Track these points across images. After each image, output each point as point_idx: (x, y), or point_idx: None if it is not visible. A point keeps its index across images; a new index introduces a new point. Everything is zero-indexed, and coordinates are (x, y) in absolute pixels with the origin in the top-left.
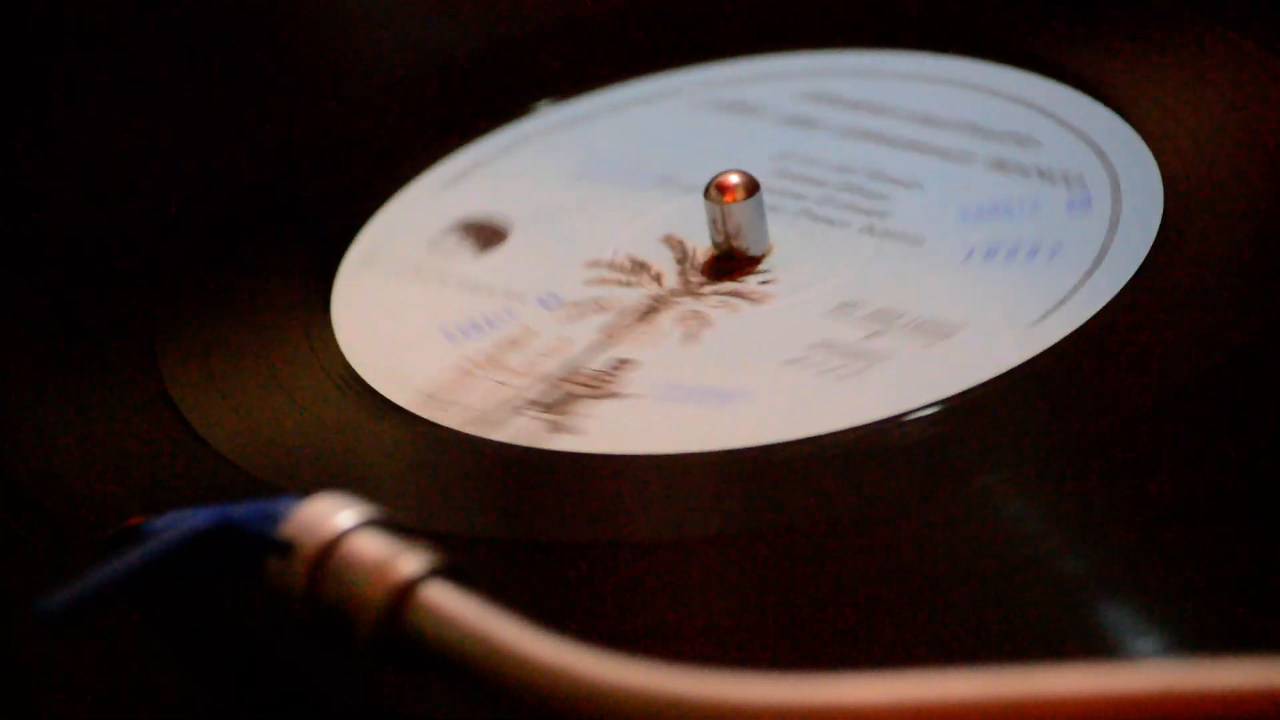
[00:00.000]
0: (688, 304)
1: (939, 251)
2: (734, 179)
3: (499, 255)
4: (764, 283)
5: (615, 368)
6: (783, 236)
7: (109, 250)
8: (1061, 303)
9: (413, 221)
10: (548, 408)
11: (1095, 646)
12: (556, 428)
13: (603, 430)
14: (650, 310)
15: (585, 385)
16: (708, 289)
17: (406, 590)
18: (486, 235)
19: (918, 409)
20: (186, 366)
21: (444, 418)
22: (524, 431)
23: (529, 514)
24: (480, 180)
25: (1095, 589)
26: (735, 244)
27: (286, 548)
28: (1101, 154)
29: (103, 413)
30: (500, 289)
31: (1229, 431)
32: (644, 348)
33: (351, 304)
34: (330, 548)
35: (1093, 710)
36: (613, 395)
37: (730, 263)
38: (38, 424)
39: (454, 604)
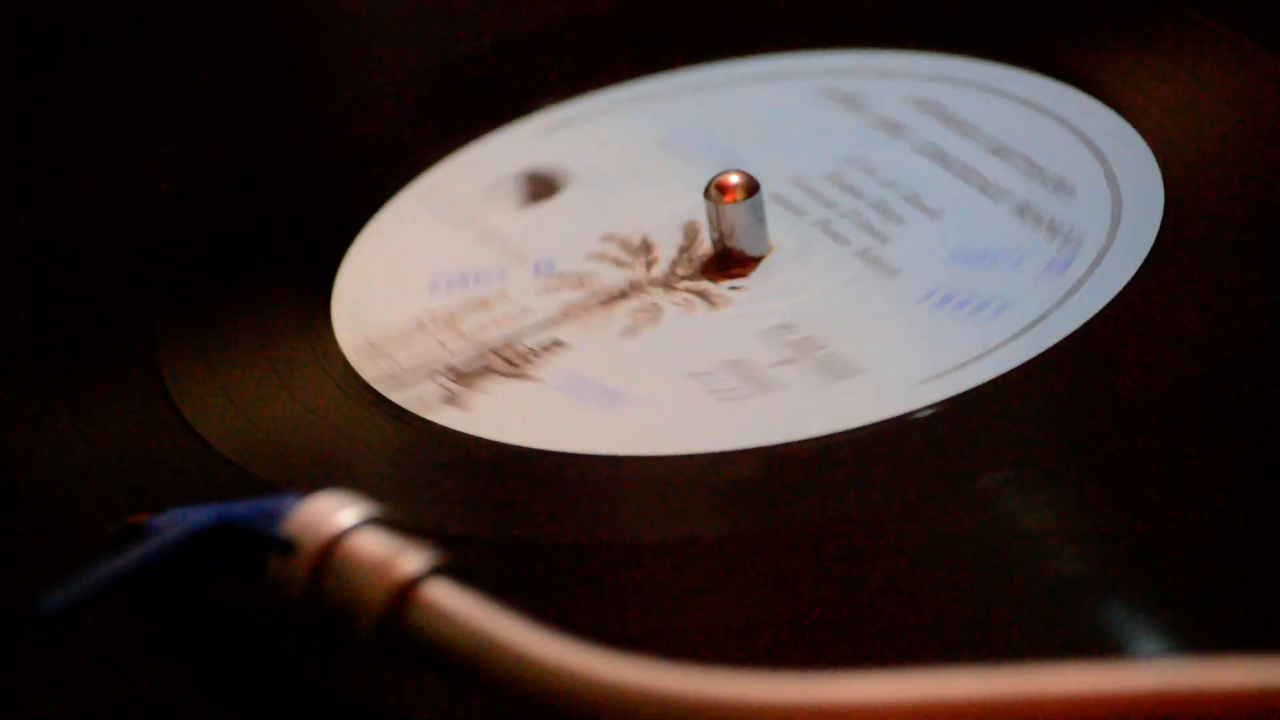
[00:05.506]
0: (655, 296)
1: (904, 289)
2: (734, 179)
3: (536, 211)
4: (733, 288)
5: (545, 348)
6: (786, 242)
7: (109, 250)
8: (963, 365)
9: (492, 162)
10: (459, 377)
11: (1095, 646)
12: (451, 400)
13: (486, 410)
14: (618, 296)
15: (506, 361)
16: (683, 284)
17: (408, 588)
18: (538, 188)
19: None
20: (186, 366)
21: (367, 369)
22: (421, 398)
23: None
24: (572, 133)
25: (1095, 589)
26: (729, 244)
27: (288, 546)
28: (1114, 180)
29: (103, 413)
30: (510, 246)
31: (1229, 432)
32: (584, 333)
33: (370, 240)
34: (331, 546)
35: (1093, 710)
36: (521, 377)
37: (728, 260)
38: (38, 424)
39: (455, 602)
